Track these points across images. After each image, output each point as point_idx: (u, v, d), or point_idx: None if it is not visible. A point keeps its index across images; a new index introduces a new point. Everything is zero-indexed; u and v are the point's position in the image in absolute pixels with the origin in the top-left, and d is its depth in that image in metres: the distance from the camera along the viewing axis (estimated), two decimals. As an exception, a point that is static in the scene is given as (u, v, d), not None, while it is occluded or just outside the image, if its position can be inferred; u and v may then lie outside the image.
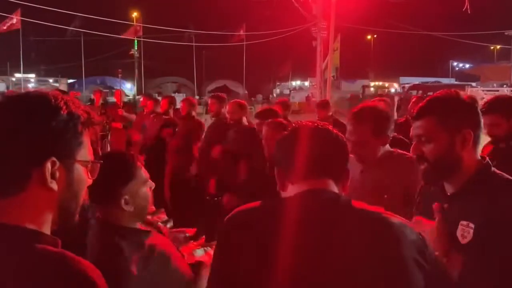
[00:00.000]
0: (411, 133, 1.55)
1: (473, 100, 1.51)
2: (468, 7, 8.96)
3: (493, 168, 1.49)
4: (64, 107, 0.92)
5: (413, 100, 5.58)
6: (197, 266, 1.84)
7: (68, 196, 0.94)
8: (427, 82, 33.50)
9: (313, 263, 1.04)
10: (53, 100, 0.92)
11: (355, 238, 1.05)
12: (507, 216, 1.35)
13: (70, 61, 41.21)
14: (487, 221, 1.36)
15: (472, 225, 1.39)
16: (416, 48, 58.19)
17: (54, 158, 0.90)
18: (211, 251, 4.88)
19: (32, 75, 37.42)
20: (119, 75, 17.73)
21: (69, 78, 37.83)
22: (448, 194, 1.53)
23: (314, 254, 1.05)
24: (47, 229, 0.92)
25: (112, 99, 15.28)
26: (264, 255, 1.07)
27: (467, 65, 49.88)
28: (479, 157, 1.50)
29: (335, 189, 1.17)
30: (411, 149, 1.56)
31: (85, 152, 0.97)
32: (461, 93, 1.53)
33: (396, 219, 1.10)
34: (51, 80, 35.50)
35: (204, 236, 5.12)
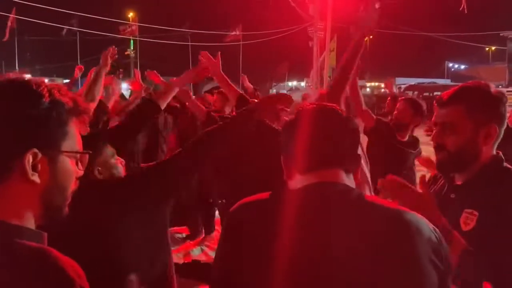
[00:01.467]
0: (433, 120, 1.49)
1: (501, 95, 1.45)
2: (465, 6, 8.97)
3: (505, 164, 1.46)
4: (47, 95, 0.86)
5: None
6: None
7: (53, 189, 0.89)
8: (423, 83, 33.59)
9: (324, 261, 0.98)
10: (34, 87, 0.86)
11: (368, 235, 0.98)
12: (510, 204, 1.34)
13: (65, 60, 40.97)
14: (491, 209, 1.35)
15: (476, 213, 1.38)
16: (412, 49, 58.44)
17: (35, 150, 0.84)
18: (208, 250, 4.88)
19: (27, 75, 37.17)
20: (120, 76, 17.59)
21: (65, 78, 37.63)
22: (457, 183, 1.50)
23: (325, 252, 0.99)
24: (31, 223, 0.87)
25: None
26: (271, 252, 1.01)
27: (463, 66, 50.12)
28: (495, 153, 1.47)
29: (346, 180, 1.09)
30: (432, 136, 1.50)
31: (72, 143, 0.91)
32: (491, 86, 1.47)
33: (412, 214, 1.03)
34: (46, 80, 35.05)
35: (200, 236, 5.10)
